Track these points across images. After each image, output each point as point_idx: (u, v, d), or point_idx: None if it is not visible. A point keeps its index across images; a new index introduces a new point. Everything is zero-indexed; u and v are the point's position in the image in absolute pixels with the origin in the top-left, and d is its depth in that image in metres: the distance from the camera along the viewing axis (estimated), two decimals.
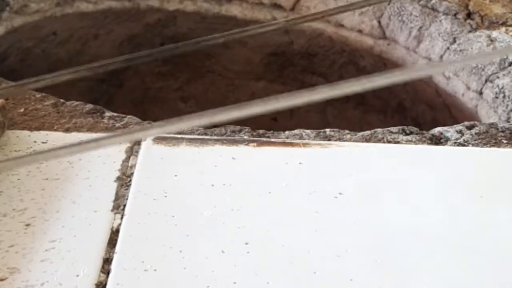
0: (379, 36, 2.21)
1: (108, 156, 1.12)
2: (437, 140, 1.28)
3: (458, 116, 1.97)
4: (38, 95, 1.28)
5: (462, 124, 1.35)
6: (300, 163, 1.15)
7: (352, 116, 2.51)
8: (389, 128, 1.30)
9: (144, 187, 1.06)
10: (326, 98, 0.54)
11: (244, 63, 2.56)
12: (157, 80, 2.64)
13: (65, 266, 0.88)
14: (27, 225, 0.95)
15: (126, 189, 1.05)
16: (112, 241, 0.94)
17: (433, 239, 1.00)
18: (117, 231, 0.96)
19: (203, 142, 1.19)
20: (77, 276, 0.87)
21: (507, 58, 1.83)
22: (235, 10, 2.34)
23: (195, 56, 2.56)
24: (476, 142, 1.28)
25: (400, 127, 1.31)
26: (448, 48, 2.00)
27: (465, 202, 1.09)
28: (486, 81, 1.83)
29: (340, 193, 1.08)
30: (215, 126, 1.27)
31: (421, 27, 2.08)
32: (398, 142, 1.25)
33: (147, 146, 1.16)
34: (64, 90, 2.25)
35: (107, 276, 0.88)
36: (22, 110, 1.22)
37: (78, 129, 1.19)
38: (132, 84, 2.59)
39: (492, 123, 1.36)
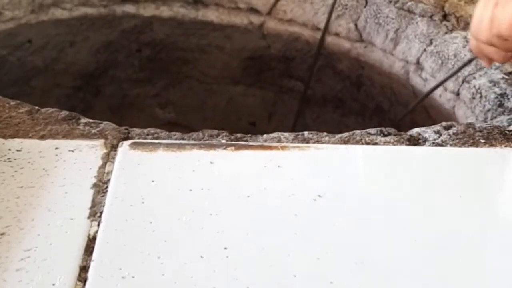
0: (356, 39, 2.22)
1: (84, 163, 1.11)
2: (415, 141, 1.29)
3: (435, 117, 1.98)
4: (12, 103, 1.26)
5: (439, 124, 1.35)
6: (278, 166, 1.14)
7: (330, 119, 2.51)
8: (367, 130, 1.30)
9: (121, 193, 1.04)
10: None
11: (222, 68, 2.55)
12: (135, 86, 2.62)
13: (41, 275, 0.87)
14: (2, 234, 0.93)
15: (103, 196, 1.03)
16: (89, 249, 0.92)
17: (413, 240, 1.00)
18: (94, 238, 0.94)
19: (180, 147, 1.18)
20: (53, 285, 0.85)
21: None
22: (212, 15, 2.34)
23: (172, 62, 2.55)
24: (454, 142, 1.28)
25: (378, 128, 1.31)
26: (424, 50, 2.01)
27: (444, 202, 1.10)
28: (463, 82, 1.85)
29: (319, 195, 1.07)
30: (193, 130, 1.26)
31: (397, 29, 2.09)
32: (376, 144, 1.25)
33: (124, 152, 1.15)
34: (41, 98, 2.24)
35: (84, 284, 0.86)
36: None
37: (53, 136, 1.17)
38: (109, 91, 2.57)
39: (470, 123, 1.37)
